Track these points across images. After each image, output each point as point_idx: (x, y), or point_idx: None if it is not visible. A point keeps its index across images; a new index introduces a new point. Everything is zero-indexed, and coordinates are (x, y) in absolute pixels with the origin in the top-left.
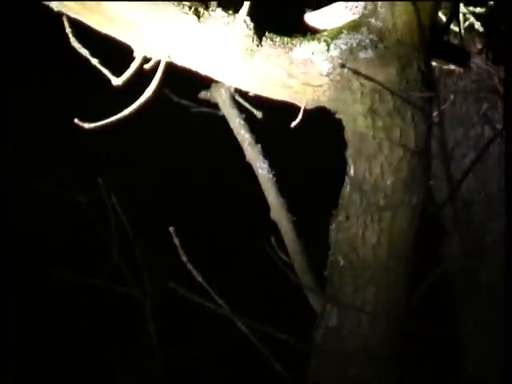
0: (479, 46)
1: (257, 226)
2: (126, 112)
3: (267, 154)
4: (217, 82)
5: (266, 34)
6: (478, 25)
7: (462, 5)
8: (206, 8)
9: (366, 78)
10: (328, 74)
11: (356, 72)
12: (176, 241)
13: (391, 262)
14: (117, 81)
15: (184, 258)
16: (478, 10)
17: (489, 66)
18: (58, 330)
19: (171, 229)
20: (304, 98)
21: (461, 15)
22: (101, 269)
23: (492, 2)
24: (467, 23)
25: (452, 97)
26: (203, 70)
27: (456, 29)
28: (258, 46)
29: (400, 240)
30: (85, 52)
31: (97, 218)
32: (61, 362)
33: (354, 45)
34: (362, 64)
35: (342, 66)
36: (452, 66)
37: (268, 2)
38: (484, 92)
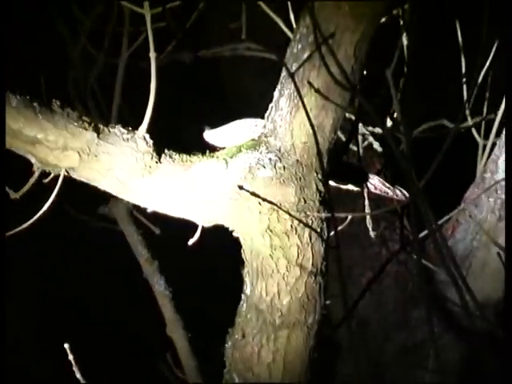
0: (378, 166)
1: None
2: (25, 225)
3: (164, 270)
4: (115, 197)
5: (166, 151)
6: (376, 145)
7: (360, 125)
8: (106, 124)
9: (265, 198)
10: (226, 193)
11: (254, 193)
12: None
13: (286, 381)
14: (14, 194)
15: None
16: (377, 130)
17: (386, 187)
18: None
19: None
20: (202, 216)
21: (360, 135)
22: None
23: (390, 124)
24: (366, 143)
25: (349, 216)
26: (102, 185)
27: (355, 148)
28: (157, 162)
29: (295, 359)
30: None
31: None
32: None
33: (253, 163)
34: (260, 183)
35: (240, 187)
36: (350, 186)
37: (169, 120)
38: (381, 211)
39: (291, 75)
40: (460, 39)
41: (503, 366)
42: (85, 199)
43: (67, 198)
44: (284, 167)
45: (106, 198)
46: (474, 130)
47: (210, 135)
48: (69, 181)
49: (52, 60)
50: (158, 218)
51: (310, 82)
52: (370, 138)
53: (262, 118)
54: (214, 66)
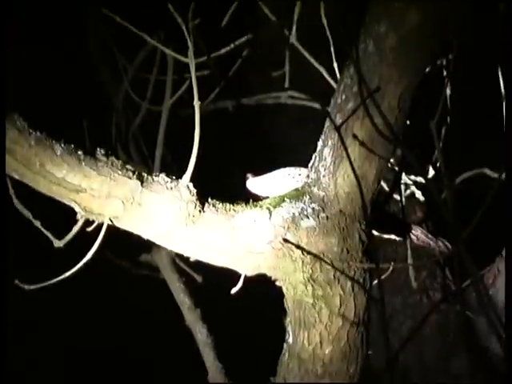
0: (419, 215)
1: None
2: (69, 273)
3: (206, 318)
4: (158, 245)
5: (209, 200)
6: (418, 194)
7: (403, 174)
8: (150, 173)
9: (308, 248)
10: (269, 242)
11: (297, 245)
12: None
13: None
14: (58, 243)
15: None
16: (419, 179)
17: (428, 238)
18: None
19: None
20: (245, 265)
21: (402, 184)
22: None
23: (432, 173)
24: (408, 191)
25: (391, 265)
26: (145, 234)
27: (397, 197)
28: (200, 212)
29: None
30: (27, 214)
31: None
32: None
33: (296, 213)
34: (303, 232)
35: (285, 240)
36: (392, 236)
37: (212, 167)
38: (423, 260)
39: (337, 128)
40: (502, 89)
41: None
42: (127, 246)
43: (109, 244)
44: (327, 217)
45: (148, 245)
46: None
47: (254, 184)
48: (111, 227)
49: (95, 107)
50: (200, 265)
51: (355, 135)
52: (413, 187)
53: (304, 165)
54: (256, 113)
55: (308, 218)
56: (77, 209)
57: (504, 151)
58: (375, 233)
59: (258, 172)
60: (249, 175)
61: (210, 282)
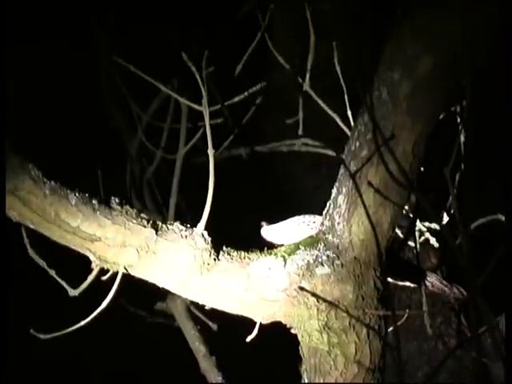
0: (434, 261)
1: None
2: (84, 322)
3: (222, 365)
4: (173, 293)
5: (224, 248)
6: (433, 240)
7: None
8: (164, 221)
9: (323, 295)
10: (284, 290)
11: (312, 292)
12: None
13: None
14: (73, 292)
15: None
16: (434, 225)
17: (443, 284)
18: None
19: None
20: (260, 313)
21: (417, 231)
22: None
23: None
24: (422, 238)
25: (406, 312)
26: (160, 282)
27: (412, 243)
28: (215, 260)
29: None
30: (42, 263)
31: None
32: None
33: (311, 261)
34: (318, 280)
35: (301, 288)
36: (407, 283)
37: (226, 214)
38: (438, 307)
39: (352, 175)
40: None
41: None
42: (142, 295)
43: (124, 293)
44: (342, 264)
45: (163, 293)
46: None
47: (268, 232)
48: (126, 276)
49: (109, 155)
50: (215, 313)
51: (369, 182)
52: (427, 234)
53: (318, 211)
54: (270, 160)
55: (323, 265)
56: (92, 258)
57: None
58: (390, 280)
59: (272, 219)
60: (263, 223)
61: (225, 329)
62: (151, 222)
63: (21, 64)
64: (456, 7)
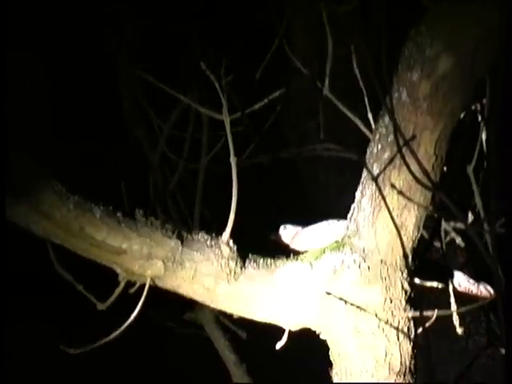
0: (461, 261)
1: None
2: (114, 336)
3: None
4: (201, 303)
5: (250, 255)
6: (458, 240)
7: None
8: (189, 231)
9: (351, 299)
10: (312, 295)
11: (340, 297)
12: None
13: None
14: (101, 306)
15: None
16: (459, 225)
17: (470, 283)
18: None
19: None
20: (288, 320)
21: (442, 231)
22: None
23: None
24: (448, 238)
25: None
26: (187, 293)
27: (438, 244)
28: (241, 268)
29: None
30: (69, 277)
31: None
32: None
33: (338, 265)
34: (345, 284)
35: (328, 293)
36: (434, 283)
37: (250, 222)
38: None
39: (374, 178)
40: None
41: None
42: (170, 306)
43: (152, 304)
44: (369, 267)
45: (191, 303)
46: None
47: (294, 238)
48: (153, 287)
49: (132, 167)
50: (244, 321)
51: (393, 184)
52: (453, 234)
53: (342, 215)
54: (293, 165)
55: (349, 268)
56: (118, 271)
57: None
58: (417, 281)
59: (297, 226)
60: (288, 229)
61: (254, 337)
62: (176, 232)
63: (39, 79)
64: (474, 6)
